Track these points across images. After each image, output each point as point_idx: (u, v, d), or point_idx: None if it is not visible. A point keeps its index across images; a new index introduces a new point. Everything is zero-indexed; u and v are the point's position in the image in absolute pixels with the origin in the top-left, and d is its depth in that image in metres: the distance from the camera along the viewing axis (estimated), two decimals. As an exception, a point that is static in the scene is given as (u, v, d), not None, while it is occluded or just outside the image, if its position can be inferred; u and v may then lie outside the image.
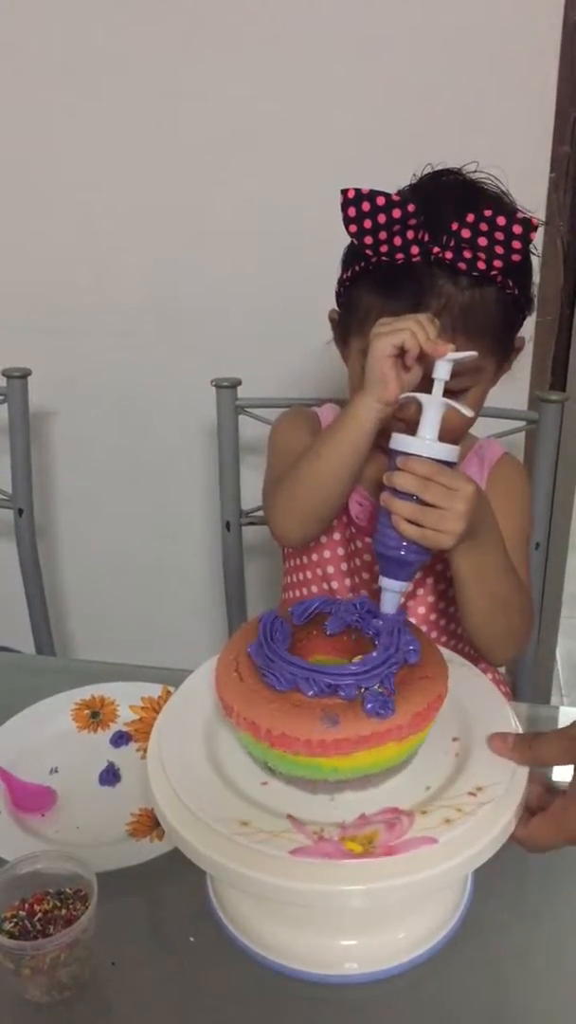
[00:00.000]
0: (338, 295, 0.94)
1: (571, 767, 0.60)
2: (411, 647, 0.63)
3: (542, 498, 1.23)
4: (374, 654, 0.62)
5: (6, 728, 0.89)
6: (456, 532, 0.75)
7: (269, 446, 1.06)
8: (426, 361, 0.77)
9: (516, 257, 0.80)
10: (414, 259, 0.82)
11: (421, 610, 1.01)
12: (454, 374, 0.77)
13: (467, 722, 0.67)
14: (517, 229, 0.78)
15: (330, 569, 1.03)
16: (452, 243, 0.81)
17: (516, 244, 0.79)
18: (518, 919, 0.70)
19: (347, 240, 0.85)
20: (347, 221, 0.82)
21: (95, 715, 0.92)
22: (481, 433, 1.06)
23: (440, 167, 0.89)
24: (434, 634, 1.02)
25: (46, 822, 0.79)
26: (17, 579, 1.43)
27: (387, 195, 0.80)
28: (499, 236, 0.79)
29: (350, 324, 0.90)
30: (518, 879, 0.73)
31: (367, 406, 0.82)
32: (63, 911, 0.64)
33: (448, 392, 0.75)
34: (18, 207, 1.45)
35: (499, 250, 0.79)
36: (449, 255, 0.81)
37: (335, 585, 1.03)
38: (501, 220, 0.78)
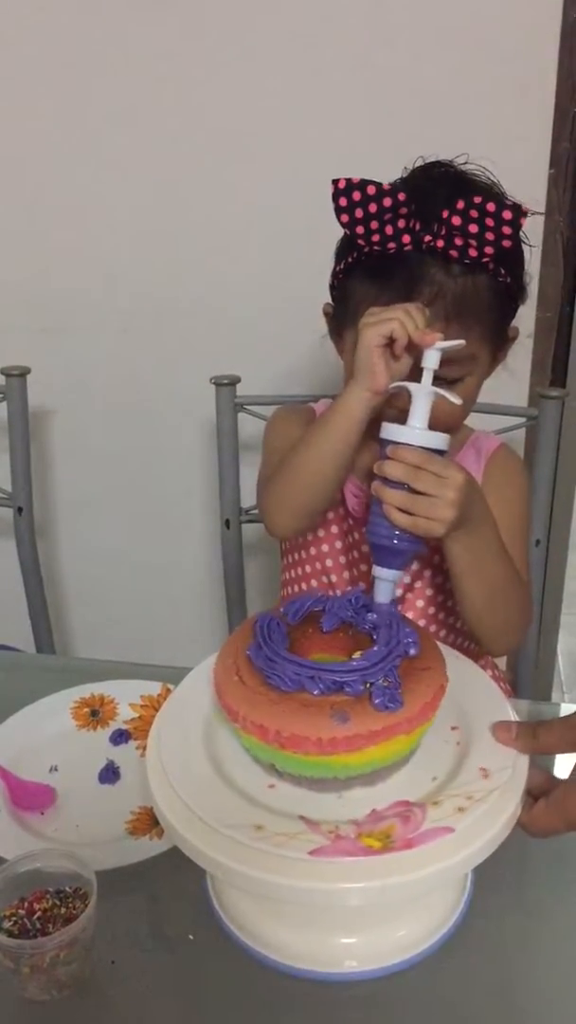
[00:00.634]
0: (332, 288, 0.94)
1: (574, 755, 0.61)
2: (410, 639, 0.64)
3: (542, 495, 1.23)
4: (375, 648, 0.62)
5: (5, 726, 0.88)
6: (447, 520, 0.76)
7: (264, 442, 1.07)
8: (415, 350, 0.77)
9: (507, 243, 0.80)
10: (406, 248, 0.83)
11: (420, 603, 1.01)
12: (447, 363, 0.77)
13: (463, 709, 0.67)
14: (507, 215, 0.79)
15: (329, 562, 1.03)
16: (443, 231, 0.81)
17: (506, 230, 0.79)
18: (519, 915, 0.70)
19: (345, 237, 0.85)
20: (338, 211, 0.82)
21: (95, 713, 0.91)
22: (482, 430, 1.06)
23: (432, 159, 0.89)
24: (432, 627, 1.02)
25: (45, 820, 0.79)
26: (17, 577, 1.42)
27: (377, 184, 0.81)
28: (489, 223, 0.79)
29: (344, 316, 0.91)
30: (518, 875, 0.73)
31: (356, 396, 0.82)
32: (62, 910, 0.64)
33: (442, 382, 0.76)
34: (17, 206, 1.45)
35: (490, 236, 0.80)
36: (440, 243, 0.81)
37: (334, 578, 1.03)
38: (491, 206, 0.79)
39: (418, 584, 1.00)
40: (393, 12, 1.25)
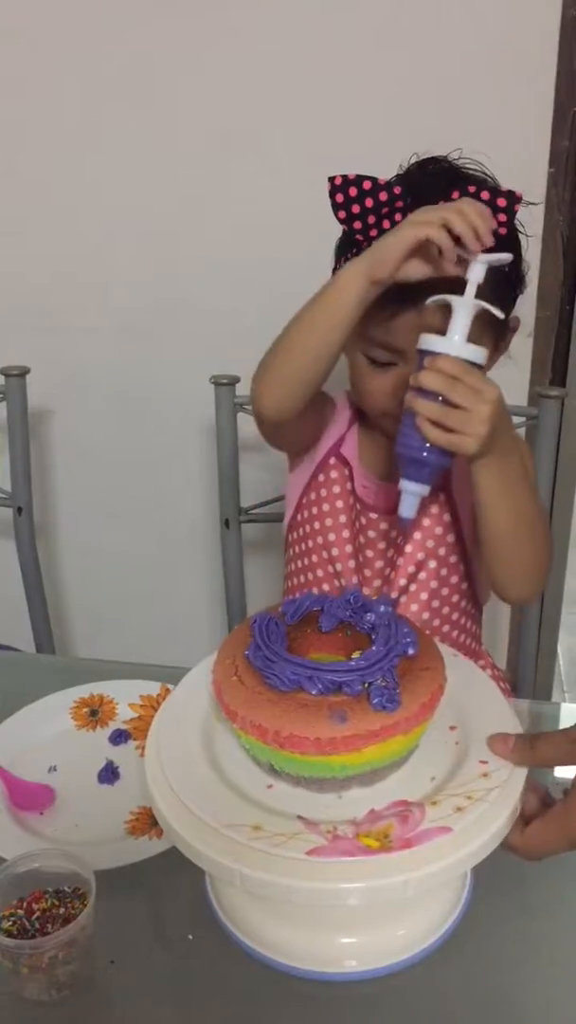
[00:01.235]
0: None
1: (573, 769, 0.59)
2: (408, 639, 0.63)
3: (542, 494, 1.23)
4: (374, 648, 0.62)
5: (5, 726, 0.88)
6: (480, 435, 0.76)
7: None
8: (437, 265, 0.77)
9: (502, 231, 0.80)
10: None
11: (424, 596, 1.01)
12: None
13: (462, 709, 0.67)
14: (501, 202, 0.79)
15: (335, 552, 1.03)
16: None
17: (501, 217, 0.79)
18: (517, 915, 0.70)
19: (345, 236, 0.85)
20: (336, 207, 0.83)
21: (94, 713, 0.91)
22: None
23: (426, 155, 0.90)
24: (436, 622, 1.02)
25: (45, 820, 0.78)
26: (16, 577, 1.42)
27: (373, 179, 0.81)
28: None
29: None
30: (517, 875, 0.73)
31: (353, 274, 0.81)
32: (61, 909, 0.64)
33: None
34: (16, 205, 1.45)
35: None
36: None
37: (339, 567, 1.03)
38: (485, 195, 0.79)
39: (422, 575, 1.01)
40: (392, 11, 1.25)
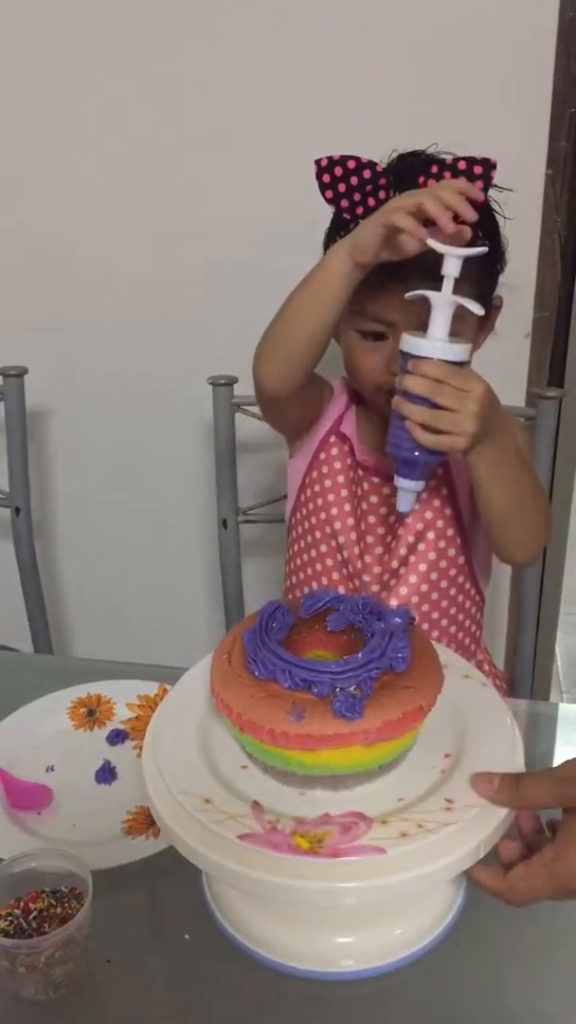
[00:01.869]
0: None
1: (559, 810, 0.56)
2: (399, 655, 0.62)
3: (540, 494, 1.23)
4: (359, 655, 0.61)
5: (2, 726, 0.89)
6: (470, 433, 0.77)
7: None
8: (428, 250, 0.78)
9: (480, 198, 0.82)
10: None
11: (424, 587, 1.02)
12: None
13: (464, 739, 0.65)
14: (477, 169, 0.83)
15: (337, 525, 1.04)
16: None
17: (479, 184, 0.82)
18: (514, 914, 0.69)
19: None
20: (323, 188, 0.86)
21: (91, 713, 0.91)
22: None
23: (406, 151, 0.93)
24: (435, 615, 1.03)
25: (42, 820, 0.79)
26: (14, 577, 1.42)
27: (357, 159, 0.84)
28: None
29: None
30: (515, 876, 0.73)
31: (339, 256, 0.83)
32: (58, 909, 0.65)
33: None
34: (14, 205, 1.45)
35: None
36: None
37: (342, 540, 1.04)
38: (462, 164, 0.83)
39: (421, 546, 1.02)
40: (390, 11, 1.25)
